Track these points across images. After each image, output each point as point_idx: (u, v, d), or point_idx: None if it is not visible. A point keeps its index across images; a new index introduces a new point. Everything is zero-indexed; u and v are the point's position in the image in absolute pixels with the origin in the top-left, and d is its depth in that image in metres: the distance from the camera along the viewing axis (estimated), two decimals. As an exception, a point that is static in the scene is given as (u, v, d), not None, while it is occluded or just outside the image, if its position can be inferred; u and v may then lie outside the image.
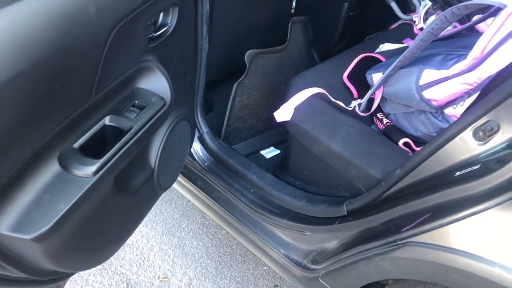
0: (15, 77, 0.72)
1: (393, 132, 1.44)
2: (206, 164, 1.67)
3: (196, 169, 1.68)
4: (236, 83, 1.72)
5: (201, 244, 1.95)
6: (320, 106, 1.46)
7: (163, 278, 1.82)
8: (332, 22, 2.09)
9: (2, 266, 0.89)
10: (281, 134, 1.92)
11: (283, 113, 1.46)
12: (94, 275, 1.79)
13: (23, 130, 0.78)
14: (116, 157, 0.95)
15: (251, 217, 1.53)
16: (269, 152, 1.89)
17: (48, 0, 0.79)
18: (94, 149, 0.96)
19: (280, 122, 1.47)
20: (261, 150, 1.90)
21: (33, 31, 0.76)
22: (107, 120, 1.00)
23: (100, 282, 1.77)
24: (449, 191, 1.00)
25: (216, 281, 1.82)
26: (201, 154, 1.68)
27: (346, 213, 1.27)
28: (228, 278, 1.83)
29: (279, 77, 1.86)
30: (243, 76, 1.72)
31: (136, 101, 1.08)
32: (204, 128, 1.67)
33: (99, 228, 1.04)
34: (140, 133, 1.02)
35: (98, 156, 0.93)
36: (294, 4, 2.16)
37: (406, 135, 1.42)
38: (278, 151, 1.89)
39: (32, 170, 0.84)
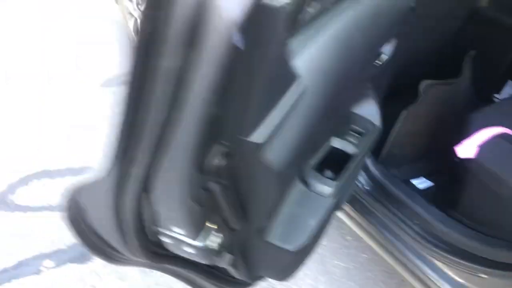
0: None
1: None
2: (366, 188, 1.68)
3: (355, 191, 1.70)
4: (405, 111, 1.72)
5: (342, 264, 1.96)
6: (509, 148, 1.42)
7: (307, 292, 1.85)
8: (498, 60, 2.03)
9: (239, 270, 0.95)
10: (432, 165, 1.89)
11: (467, 150, 1.45)
12: (240, 278, 1.86)
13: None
14: (346, 180, 1.00)
15: (414, 247, 1.52)
16: (421, 183, 1.86)
17: None
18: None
19: (461, 157, 1.45)
20: (411, 179, 1.88)
21: None
22: (334, 142, 1.05)
23: (246, 286, 1.83)
24: None
25: (358, 304, 1.82)
26: (360, 178, 1.69)
27: (536, 263, 1.23)
28: (370, 303, 1.83)
29: (447, 109, 1.84)
30: (413, 104, 1.72)
31: (352, 125, 1.12)
32: (365, 151, 1.68)
33: (313, 242, 1.09)
34: (361, 158, 1.06)
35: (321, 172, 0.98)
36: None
37: None
38: (431, 183, 1.86)
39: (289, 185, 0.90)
